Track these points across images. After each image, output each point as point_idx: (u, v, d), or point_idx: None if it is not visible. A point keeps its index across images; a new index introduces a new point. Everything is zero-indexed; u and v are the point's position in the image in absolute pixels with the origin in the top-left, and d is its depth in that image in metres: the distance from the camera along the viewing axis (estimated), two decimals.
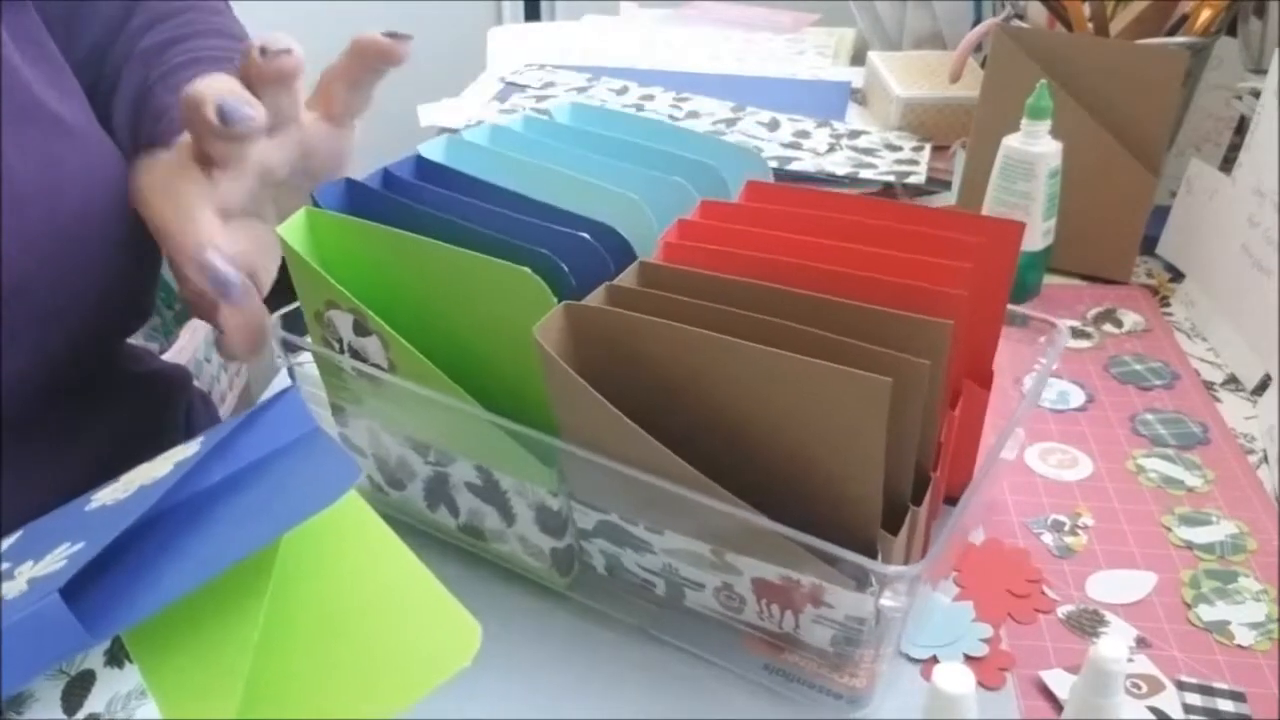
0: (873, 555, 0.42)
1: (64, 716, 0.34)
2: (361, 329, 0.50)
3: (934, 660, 0.49)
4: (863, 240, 0.48)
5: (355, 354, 0.51)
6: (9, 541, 0.39)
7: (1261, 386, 0.68)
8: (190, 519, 0.36)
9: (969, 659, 0.49)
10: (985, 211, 0.78)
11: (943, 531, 0.43)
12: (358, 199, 0.53)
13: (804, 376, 0.41)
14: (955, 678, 0.38)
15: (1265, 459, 0.62)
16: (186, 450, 0.38)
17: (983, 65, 0.92)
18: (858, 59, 1.26)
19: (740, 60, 1.24)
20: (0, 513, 0.54)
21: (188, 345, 1.03)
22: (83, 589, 0.32)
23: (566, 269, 0.46)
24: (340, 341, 0.52)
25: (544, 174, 0.54)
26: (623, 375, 0.45)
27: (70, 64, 0.63)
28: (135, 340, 0.69)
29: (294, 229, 0.50)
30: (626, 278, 0.48)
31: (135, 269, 0.63)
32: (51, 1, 0.64)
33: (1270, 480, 0.60)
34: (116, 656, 0.34)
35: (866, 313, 0.44)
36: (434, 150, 0.58)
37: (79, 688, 0.34)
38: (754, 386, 0.43)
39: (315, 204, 0.52)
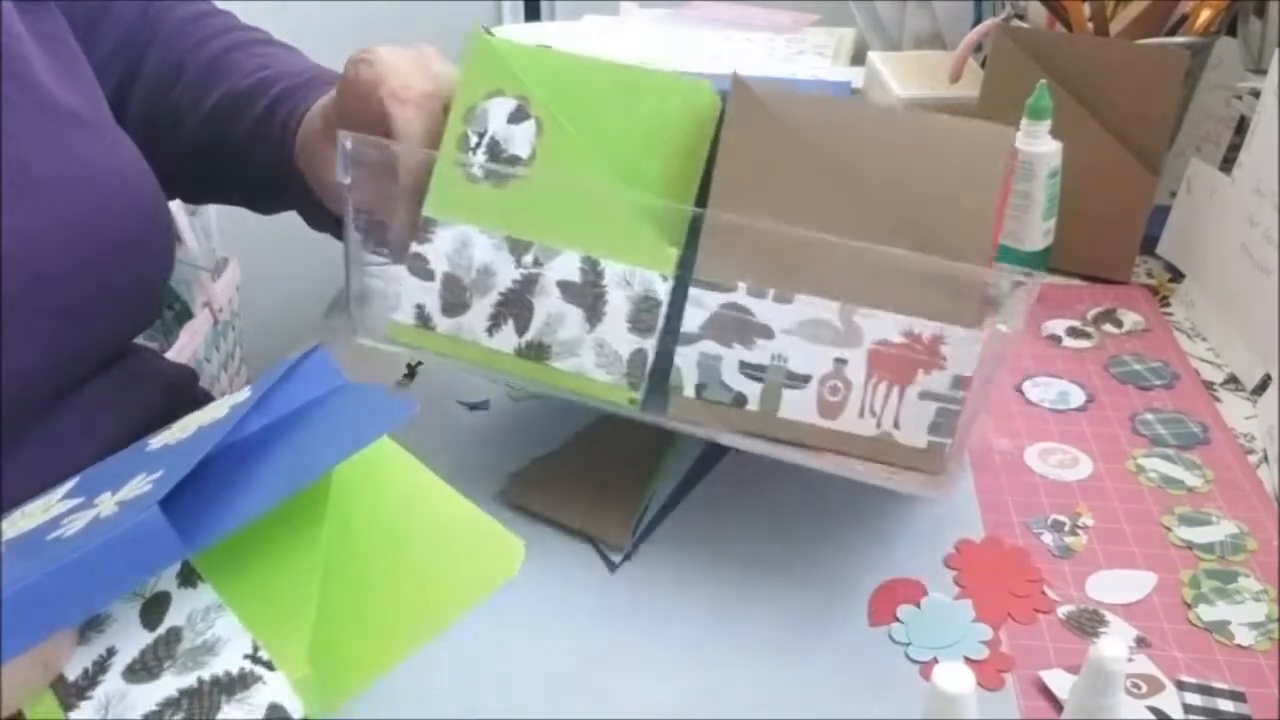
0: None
1: (146, 631, 0.36)
2: (520, 115, 0.54)
3: (934, 662, 0.49)
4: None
5: (494, 145, 0.55)
6: (67, 486, 0.41)
7: (1261, 386, 0.68)
8: (254, 452, 0.38)
9: (969, 661, 0.49)
10: None
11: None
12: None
13: (945, 128, 0.50)
14: (955, 677, 0.38)
15: (1265, 459, 0.62)
16: (238, 396, 0.41)
17: (983, 65, 0.92)
18: (857, 59, 1.26)
19: (740, 60, 1.24)
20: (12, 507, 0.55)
21: (188, 345, 1.03)
22: (169, 510, 0.33)
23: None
24: (483, 135, 0.55)
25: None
26: (785, 149, 0.51)
27: (93, 65, 0.64)
28: (136, 340, 0.69)
29: (482, 34, 0.56)
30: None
31: (149, 264, 0.63)
32: (76, 4, 0.65)
33: (1270, 480, 0.60)
34: (189, 579, 0.37)
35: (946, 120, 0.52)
36: None
37: (156, 608, 0.36)
38: (894, 148, 0.50)
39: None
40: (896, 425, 0.49)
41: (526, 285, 0.54)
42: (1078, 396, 0.68)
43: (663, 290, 0.52)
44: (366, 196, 0.58)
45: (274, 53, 0.71)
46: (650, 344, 0.52)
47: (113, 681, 0.35)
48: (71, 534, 0.34)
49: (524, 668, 0.50)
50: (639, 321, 0.52)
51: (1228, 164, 0.79)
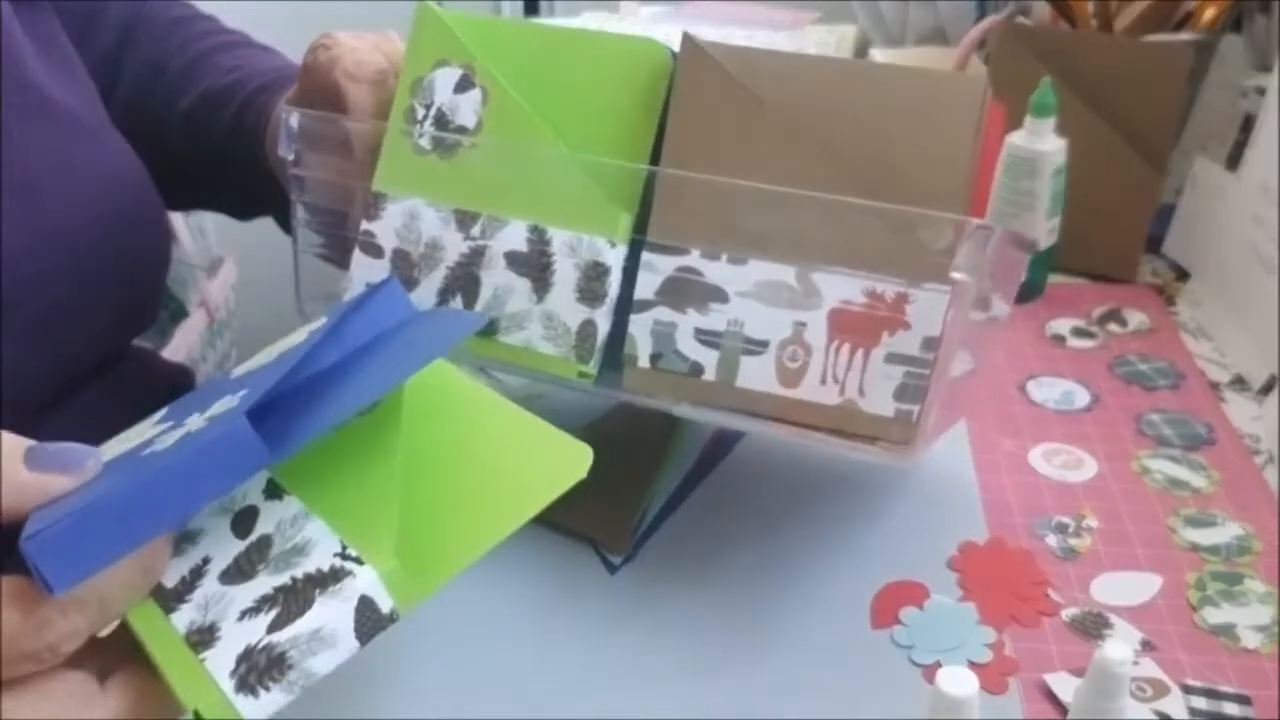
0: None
1: (238, 540, 0.38)
2: (465, 84, 0.54)
3: (937, 665, 0.49)
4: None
5: (441, 117, 0.54)
6: (159, 415, 0.43)
7: (1268, 387, 0.67)
8: (331, 374, 0.40)
9: (972, 664, 0.49)
10: (989, 212, 0.77)
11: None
12: None
13: (912, 80, 0.48)
14: (958, 681, 0.38)
15: (1271, 460, 0.62)
16: (314, 324, 0.43)
17: (986, 63, 0.91)
18: (859, 56, 1.25)
19: None
20: None
21: (183, 344, 1.02)
22: (257, 423, 0.35)
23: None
24: (429, 108, 0.54)
25: None
26: (741, 106, 0.50)
27: (86, 67, 0.64)
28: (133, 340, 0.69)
29: (428, 4, 0.55)
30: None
31: (146, 265, 0.63)
32: (70, 2, 0.65)
33: (1276, 481, 0.60)
34: (274, 492, 0.39)
35: (912, 70, 0.51)
36: None
37: (245, 519, 0.38)
38: (865, 101, 0.48)
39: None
40: (861, 392, 0.47)
41: (474, 258, 0.53)
42: (1082, 397, 0.68)
43: (612, 256, 0.50)
44: (321, 184, 0.57)
45: (250, 54, 0.71)
46: (600, 313, 0.50)
47: (210, 585, 0.36)
48: (163, 449, 0.36)
49: (524, 668, 0.49)
50: (587, 291, 0.51)
51: (1233, 162, 0.78)
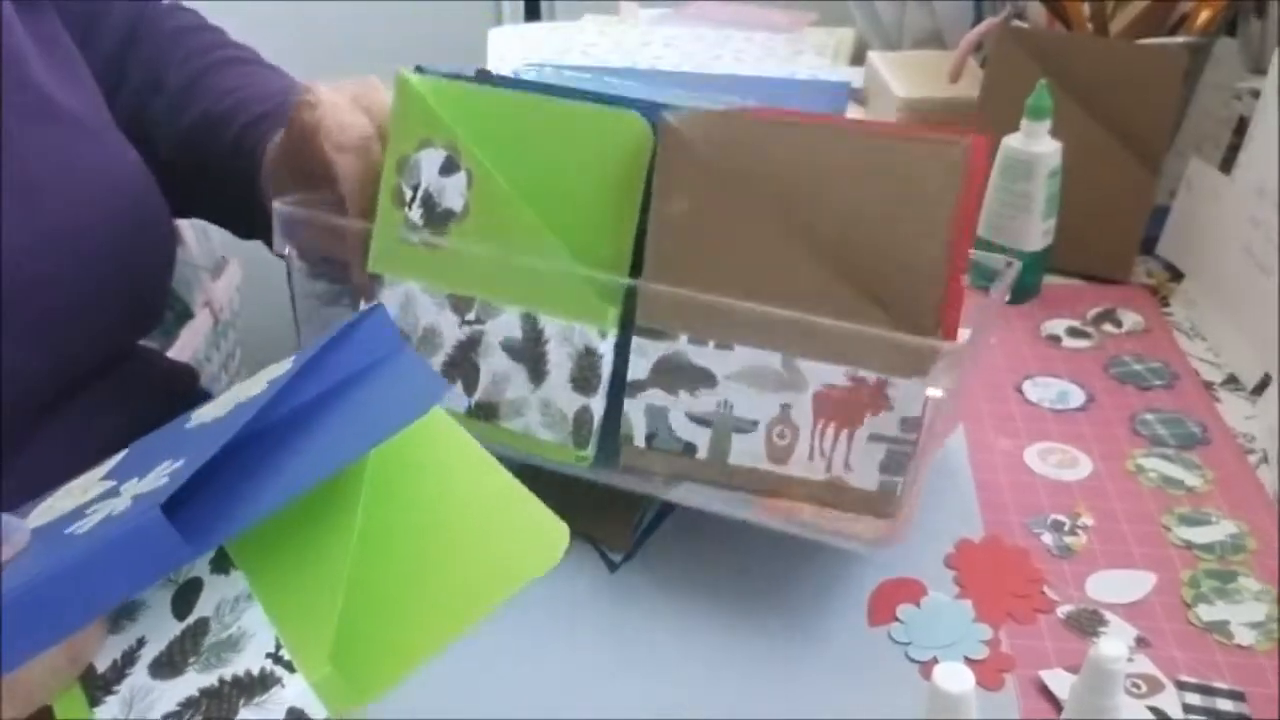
0: (933, 334, 0.48)
1: (176, 621, 0.36)
2: (450, 166, 0.53)
3: (934, 662, 0.49)
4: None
5: (428, 200, 0.54)
6: (116, 460, 0.41)
7: (1261, 386, 0.68)
8: (285, 435, 0.37)
9: (969, 661, 0.49)
10: (984, 213, 0.78)
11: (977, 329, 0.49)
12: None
13: (892, 150, 0.48)
14: (955, 677, 0.38)
15: (1265, 459, 0.62)
16: (280, 368, 0.40)
17: (983, 65, 0.92)
18: (857, 59, 1.26)
19: (739, 60, 1.24)
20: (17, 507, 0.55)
21: (188, 345, 1.03)
22: (185, 503, 0.33)
23: (653, 125, 0.51)
24: (416, 189, 0.54)
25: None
26: (721, 185, 0.50)
27: (90, 68, 0.64)
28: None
29: (407, 75, 0.54)
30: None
31: (150, 266, 0.63)
32: (71, 3, 0.65)
33: (1270, 480, 0.60)
34: (222, 565, 0.36)
35: (896, 132, 0.51)
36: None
37: (188, 595, 0.36)
38: (838, 171, 0.49)
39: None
40: (847, 466, 0.49)
41: (471, 344, 0.54)
42: (1077, 396, 0.68)
43: (603, 346, 0.51)
44: (318, 246, 0.58)
45: (252, 73, 0.71)
46: (595, 400, 0.52)
47: (139, 675, 0.35)
48: (85, 530, 0.34)
49: (524, 667, 0.50)
50: (581, 379, 0.52)
51: (1227, 164, 0.79)
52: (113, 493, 0.36)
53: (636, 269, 0.52)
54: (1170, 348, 0.73)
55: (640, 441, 0.52)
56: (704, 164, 0.50)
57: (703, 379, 0.50)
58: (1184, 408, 0.67)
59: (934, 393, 0.46)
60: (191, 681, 0.34)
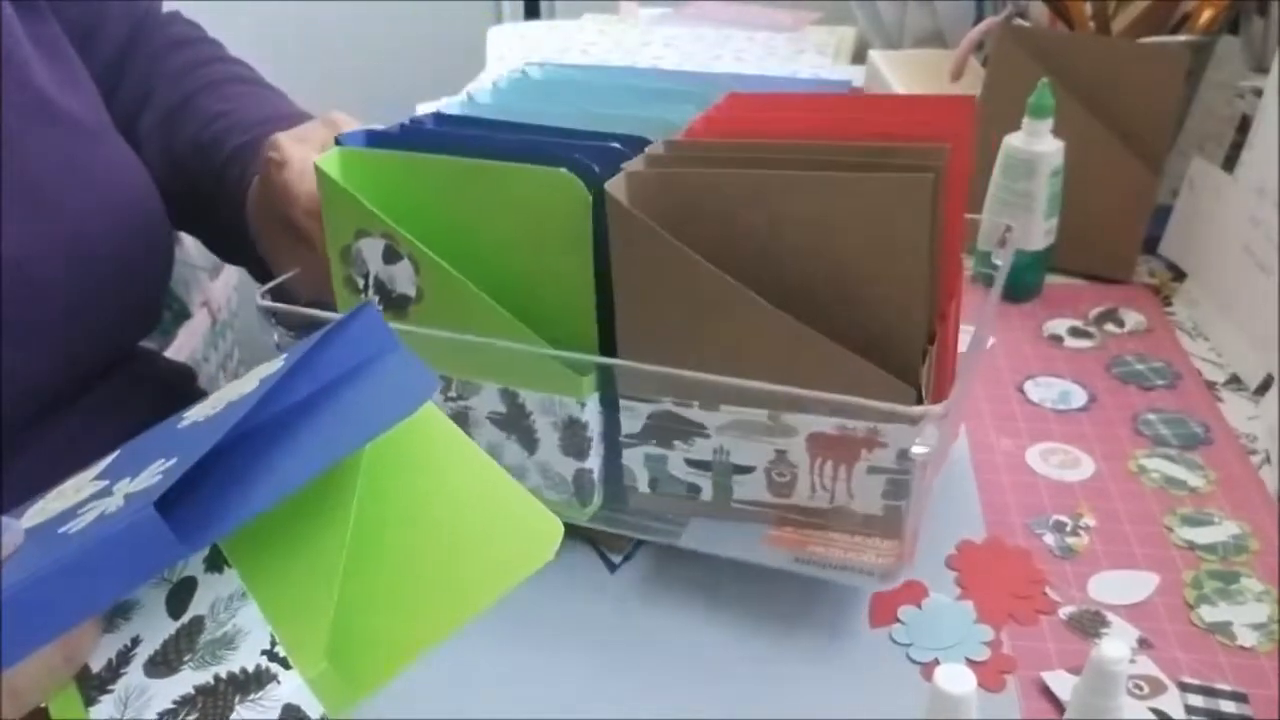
0: (917, 373, 0.46)
1: (170, 620, 0.35)
2: (392, 255, 0.51)
3: (936, 663, 0.49)
4: (846, 113, 0.55)
5: (382, 288, 0.52)
6: (108, 460, 0.40)
7: (1264, 386, 0.68)
8: (277, 433, 0.37)
9: (970, 662, 0.49)
10: (985, 212, 0.78)
11: (960, 375, 0.48)
12: (380, 144, 0.54)
13: (851, 190, 0.45)
14: (956, 678, 0.38)
15: (1267, 459, 0.62)
16: (271, 367, 0.39)
17: (984, 64, 0.92)
18: (858, 58, 1.25)
19: (740, 59, 1.24)
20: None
21: (186, 344, 1.02)
22: (178, 502, 0.33)
23: (598, 170, 0.48)
24: (366, 277, 0.52)
25: (561, 118, 0.56)
26: (679, 236, 0.47)
27: (90, 72, 0.64)
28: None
29: (328, 162, 0.52)
30: (655, 148, 0.51)
31: (149, 268, 0.63)
32: (71, 4, 0.65)
33: (1272, 480, 0.60)
34: (216, 563, 0.36)
35: (872, 148, 0.48)
36: (452, 109, 0.59)
37: (182, 593, 0.36)
38: (803, 215, 0.46)
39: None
40: (850, 495, 0.49)
41: (459, 418, 0.53)
42: (1079, 396, 0.68)
43: (585, 414, 0.51)
44: (305, 327, 0.56)
45: (241, 94, 0.70)
46: (590, 461, 0.52)
47: (134, 674, 0.35)
48: (79, 529, 0.34)
49: (524, 667, 0.50)
50: (571, 446, 0.52)
51: (1230, 163, 0.78)
52: (105, 492, 0.36)
53: (607, 323, 0.50)
54: (1173, 348, 0.73)
55: (644, 488, 0.53)
56: (658, 225, 0.47)
57: (695, 430, 0.50)
58: (1186, 408, 0.67)
59: (919, 450, 0.45)
60: (187, 680, 0.34)
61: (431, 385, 0.37)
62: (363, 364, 0.39)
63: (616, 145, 0.50)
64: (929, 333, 0.48)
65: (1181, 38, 0.80)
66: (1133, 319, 0.76)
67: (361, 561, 0.35)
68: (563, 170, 0.47)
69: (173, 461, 0.35)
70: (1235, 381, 0.70)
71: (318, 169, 0.51)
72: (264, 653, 0.34)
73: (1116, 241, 0.81)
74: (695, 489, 0.52)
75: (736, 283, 0.46)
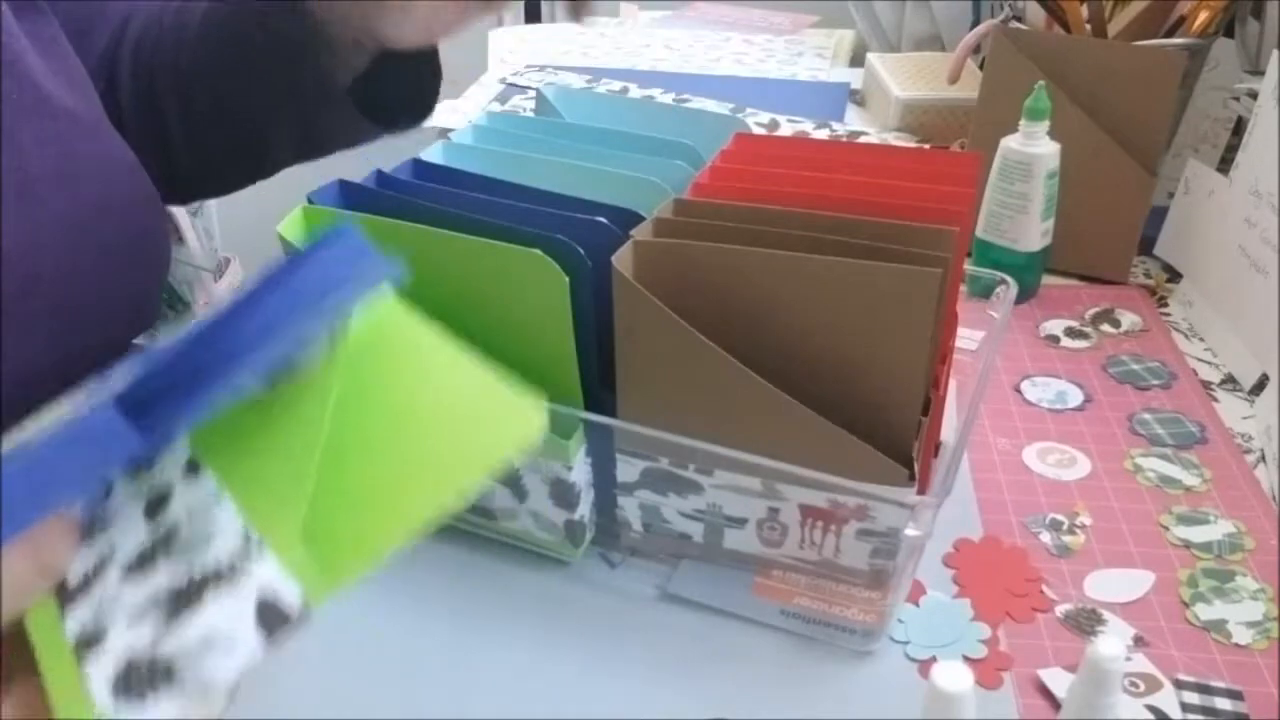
0: (910, 450, 0.47)
1: (146, 527, 0.35)
2: None
3: (933, 660, 0.49)
4: (856, 174, 0.54)
5: None
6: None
7: (1259, 386, 0.68)
8: (234, 326, 0.35)
9: (968, 660, 0.49)
10: (983, 213, 0.78)
11: (944, 465, 0.48)
12: (353, 199, 0.53)
13: (859, 278, 0.45)
14: (953, 676, 0.38)
15: (1263, 458, 0.63)
16: (248, 285, 0.38)
17: (981, 67, 0.92)
18: (856, 60, 1.26)
19: (739, 61, 1.25)
20: None
21: None
22: (144, 407, 0.32)
23: (582, 251, 0.47)
24: None
25: (548, 167, 0.55)
26: (682, 310, 0.47)
27: (86, 69, 0.64)
28: (139, 341, 0.70)
29: (291, 225, 0.50)
30: (664, 210, 0.51)
31: (146, 264, 0.63)
32: (68, 4, 0.65)
33: (1268, 480, 0.61)
34: (192, 468, 0.36)
35: (882, 226, 0.48)
36: (433, 155, 0.58)
37: (158, 502, 0.35)
38: (809, 297, 0.46)
39: (310, 203, 0.52)
40: (838, 552, 0.49)
41: None
42: (1075, 396, 0.69)
43: (573, 475, 0.51)
44: None
45: None
46: (580, 511, 0.53)
47: (109, 581, 0.34)
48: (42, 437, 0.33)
49: (524, 665, 0.50)
50: (561, 499, 0.52)
51: (1225, 165, 0.79)
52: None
53: (606, 372, 0.50)
54: (1168, 348, 0.74)
55: (637, 529, 0.54)
56: (664, 291, 0.47)
57: (689, 486, 0.50)
58: (1182, 408, 0.67)
59: (912, 533, 0.46)
60: (159, 581, 0.33)
61: (390, 266, 0.35)
62: (314, 249, 0.37)
63: (603, 220, 0.48)
64: (924, 403, 0.48)
65: (1177, 40, 0.80)
66: (1129, 319, 0.77)
67: (336, 453, 0.34)
68: (537, 252, 0.46)
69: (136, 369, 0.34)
70: (1230, 381, 0.70)
71: (280, 237, 0.50)
72: (239, 545, 0.33)
73: (1112, 243, 0.82)
74: (687, 535, 0.53)
75: (735, 360, 0.46)
